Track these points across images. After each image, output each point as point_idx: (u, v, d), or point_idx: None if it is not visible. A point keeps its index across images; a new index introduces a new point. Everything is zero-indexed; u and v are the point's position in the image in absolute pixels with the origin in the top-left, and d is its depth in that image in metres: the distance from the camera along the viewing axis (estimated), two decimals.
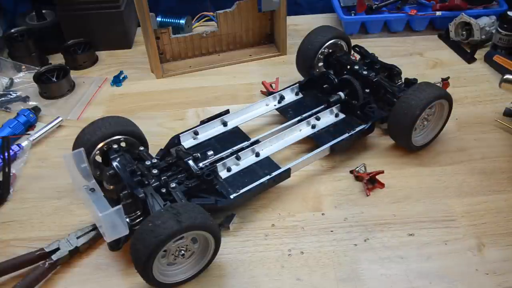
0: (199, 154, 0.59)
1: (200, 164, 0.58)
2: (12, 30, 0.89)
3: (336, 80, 0.71)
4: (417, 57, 0.90)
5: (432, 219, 0.59)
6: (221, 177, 0.59)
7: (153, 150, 0.63)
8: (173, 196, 0.53)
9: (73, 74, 0.86)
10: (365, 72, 0.70)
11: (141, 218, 0.53)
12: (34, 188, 0.65)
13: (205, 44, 0.91)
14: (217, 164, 0.59)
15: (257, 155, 0.63)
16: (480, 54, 0.89)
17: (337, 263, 0.54)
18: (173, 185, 0.54)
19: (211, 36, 0.90)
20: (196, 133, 0.66)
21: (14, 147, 0.69)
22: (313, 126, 0.68)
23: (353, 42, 0.79)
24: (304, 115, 0.68)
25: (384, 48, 0.92)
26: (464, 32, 0.90)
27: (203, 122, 0.67)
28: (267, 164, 0.62)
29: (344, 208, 0.61)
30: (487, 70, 0.86)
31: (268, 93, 0.77)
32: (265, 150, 0.63)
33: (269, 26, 0.93)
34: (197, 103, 0.80)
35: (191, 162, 0.57)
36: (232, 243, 0.57)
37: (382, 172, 0.64)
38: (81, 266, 0.55)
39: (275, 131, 0.66)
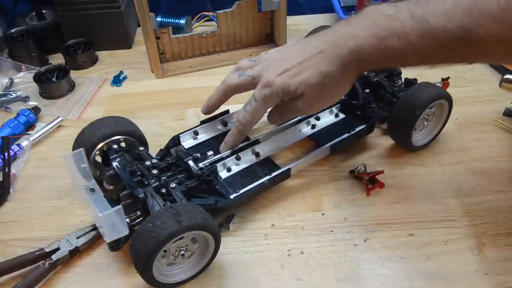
0: (199, 154, 0.59)
1: (200, 164, 0.58)
2: (12, 30, 0.89)
3: None
4: None
5: (432, 219, 0.59)
6: (221, 177, 0.59)
7: (153, 150, 0.63)
8: (173, 196, 0.53)
9: (73, 74, 0.86)
10: (364, 72, 0.70)
11: (141, 218, 0.53)
12: (34, 188, 0.65)
13: (205, 44, 0.91)
14: (217, 164, 0.59)
15: (257, 155, 0.63)
16: None
17: (337, 263, 0.54)
18: (173, 185, 0.54)
19: (211, 36, 0.90)
20: (196, 133, 0.66)
21: (14, 147, 0.69)
22: (313, 126, 0.68)
23: None
24: (304, 115, 0.68)
25: None
26: None
27: (203, 122, 0.67)
28: (267, 164, 0.62)
29: (344, 208, 0.61)
30: (487, 70, 0.86)
31: None
32: (265, 150, 0.63)
33: (269, 26, 0.93)
34: (197, 103, 0.80)
35: (191, 162, 0.57)
36: (232, 243, 0.57)
37: (382, 172, 0.64)
38: (81, 266, 0.55)
39: (275, 131, 0.66)
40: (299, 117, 0.68)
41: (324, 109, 0.69)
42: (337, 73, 0.49)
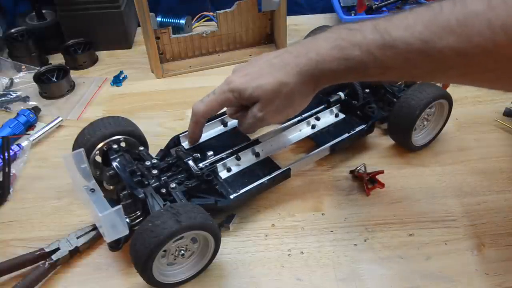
0: (199, 155, 0.59)
1: (200, 165, 0.58)
2: (12, 30, 0.89)
3: None
4: None
5: (432, 219, 0.59)
6: (221, 177, 0.59)
7: (153, 150, 0.63)
8: (173, 196, 0.53)
9: (73, 74, 0.86)
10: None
11: (141, 218, 0.53)
12: (34, 188, 0.65)
13: (205, 44, 0.91)
14: (217, 164, 0.59)
15: (257, 155, 0.63)
16: None
17: (337, 263, 0.54)
18: (173, 185, 0.54)
19: (211, 36, 0.90)
20: None
21: (14, 147, 0.69)
22: (313, 126, 0.68)
23: None
24: (304, 115, 0.68)
25: None
26: None
27: None
28: (267, 164, 0.62)
29: (344, 208, 0.61)
30: None
31: None
32: (265, 150, 0.63)
33: (269, 26, 0.93)
34: None
35: (191, 163, 0.57)
36: (232, 243, 0.57)
37: (382, 172, 0.64)
38: (81, 266, 0.55)
39: (275, 131, 0.66)
40: (298, 117, 0.68)
41: (324, 109, 0.69)
42: (293, 82, 0.51)
